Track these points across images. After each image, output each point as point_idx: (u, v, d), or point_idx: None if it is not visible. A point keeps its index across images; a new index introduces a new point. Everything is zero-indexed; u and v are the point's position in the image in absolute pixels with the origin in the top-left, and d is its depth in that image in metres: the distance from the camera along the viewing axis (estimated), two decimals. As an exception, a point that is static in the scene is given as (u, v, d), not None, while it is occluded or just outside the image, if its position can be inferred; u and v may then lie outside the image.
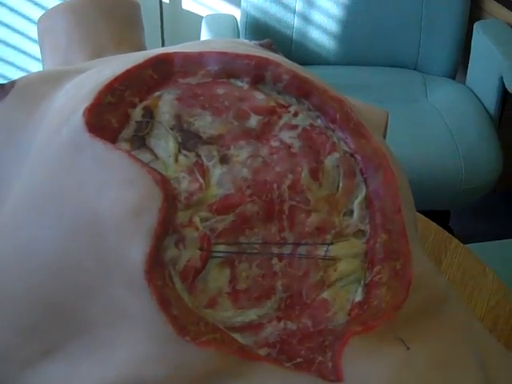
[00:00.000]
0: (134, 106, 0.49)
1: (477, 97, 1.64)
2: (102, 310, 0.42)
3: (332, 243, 0.45)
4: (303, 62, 1.77)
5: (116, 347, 0.41)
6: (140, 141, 0.47)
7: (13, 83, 0.56)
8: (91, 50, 0.71)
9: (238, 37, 1.60)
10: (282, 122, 0.49)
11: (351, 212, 0.47)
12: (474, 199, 1.49)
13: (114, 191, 0.42)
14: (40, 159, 0.48)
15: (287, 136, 0.49)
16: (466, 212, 1.97)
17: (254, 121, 0.49)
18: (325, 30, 1.74)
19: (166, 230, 0.42)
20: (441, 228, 0.95)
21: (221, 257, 0.43)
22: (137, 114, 0.48)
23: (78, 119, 0.46)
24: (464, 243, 0.92)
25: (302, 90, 0.51)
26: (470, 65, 1.70)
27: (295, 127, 0.49)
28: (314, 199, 0.46)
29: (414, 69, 1.81)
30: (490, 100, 1.57)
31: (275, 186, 0.46)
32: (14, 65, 1.70)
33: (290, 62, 0.54)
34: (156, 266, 0.40)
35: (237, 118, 0.49)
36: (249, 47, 0.63)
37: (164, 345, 0.39)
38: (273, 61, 0.51)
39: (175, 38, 2.15)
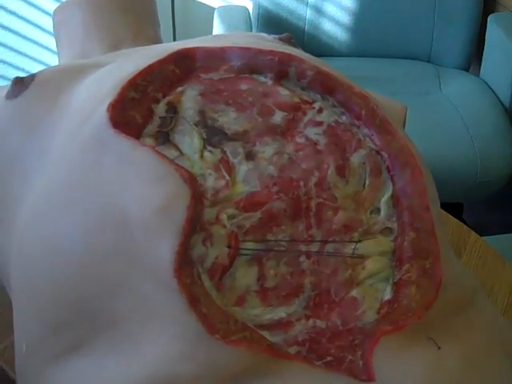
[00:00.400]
0: (157, 101, 0.48)
1: (491, 89, 1.62)
2: (129, 307, 0.42)
3: (360, 241, 0.45)
4: (316, 54, 1.76)
5: (144, 344, 0.41)
6: (164, 136, 0.46)
7: (32, 76, 0.56)
8: (109, 42, 0.71)
9: (251, 29, 1.60)
10: (306, 119, 0.49)
11: (378, 210, 0.47)
12: (488, 192, 1.48)
13: (141, 188, 0.42)
14: (63, 155, 0.47)
15: (313, 132, 0.48)
16: (479, 204, 1.96)
17: (278, 117, 0.48)
18: (337, 22, 1.72)
19: (194, 227, 0.41)
20: (459, 222, 0.95)
21: (248, 254, 0.43)
22: (160, 109, 0.48)
23: (102, 115, 0.45)
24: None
25: (327, 86, 0.50)
26: (483, 57, 1.69)
27: (320, 124, 0.49)
28: (340, 196, 0.46)
29: (428, 61, 1.80)
30: (505, 93, 1.56)
31: (302, 183, 0.45)
32: (30, 56, 1.70)
33: (313, 57, 0.53)
34: (184, 264, 0.40)
35: (261, 114, 0.48)
36: (269, 42, 0.62)
37: (194, 343, 0.39)
38: (296, 57, 0.50)
39: (187, 30, 2.15)
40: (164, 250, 0.40)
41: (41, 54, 1.71)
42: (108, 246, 0.42)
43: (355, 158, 0.48)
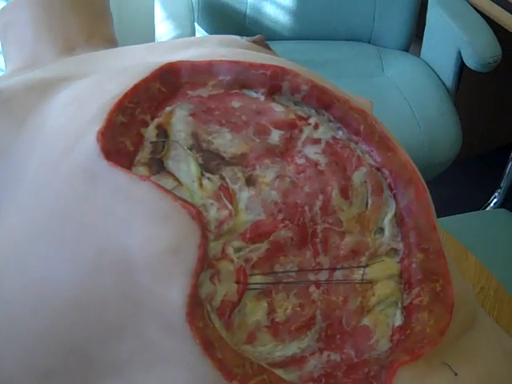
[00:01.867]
0: (146, 124, 0.45)
1: (433, 70, 1.64)
2: (132, 353, 0.39)
3: (367, 265, 0.44)
4: (258, 38, 1.73)
5: None
6: (158, 164, 0.43)
7: (-5, 94, 0.52)
8: (62, 44, 0.67)
9: (193, 14, 1.55)
10: (304, 136, 0.47)
11: (381, 230, 0.46)
12: (435, 174, 1.50)
13: (144, 228, 0.39)
14: (44, 185, 0.44)
15: (312, 152, 0.46)
16: (428, 184, 1.99)
17: (275, 136, 0.46)
18: (279, 5, 1.70)
19: (204, 266, 0.39)
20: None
21: (257, 288, 0.41)
22: (150, 133, 0.45)
23: (91, 144, 0.42)
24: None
25: (322, 101, 0.48)
26: (424, 38, 1.70)
27: (318, 141, 0.47)
28: (346, 220, 0.44)
29: (369, 42, 1.80)
30: (448, 74, 1.57)
31: (307, 208, 0.44)
32: None
33: (306, 69, 0.51)
34: (195, 306, 0.38)
35: (258, 134, 0.46)
36: (242, 47, 0.60)
37: None
38: (290, 70, 0.48)
39: (125, 15, 2.07)
40: (174, 293, 0.37)
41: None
42: (106, 289, 0.39)
43: (357, 177, 0.46)
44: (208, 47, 0.58)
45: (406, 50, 1.80)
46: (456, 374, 0.41)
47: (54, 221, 0.42)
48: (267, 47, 0.65)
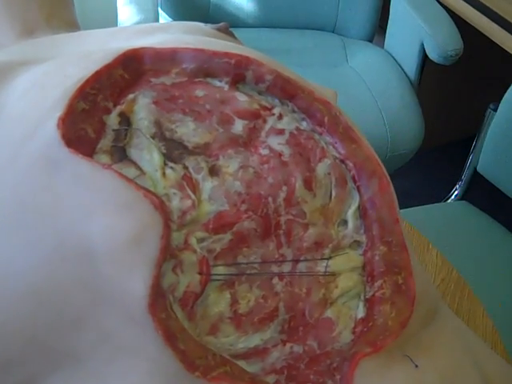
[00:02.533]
0: (108, 111, 0.44)
1: (396, 62, 1.65)
2: (93, 343, 0.38)
3: (331, 257, 0.44)
4: (223, 25, 1.72)
5: (111, 380, 0.38)
6: (120, 152, 0.43)
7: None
8: (21, 28, 0.66)
9: (157, 2, 1.53)
10: (267, 127, 0.47)
11: (345, 222, 0.45)
12: (398, 166, 1.51)
13: (106, 217, 0.38)
14: (1, 175, 0.43)
15: (276, 142, 0.46)
16: (392, 175, 2.00)
17: (239, 126, 0.46)
18: (244, -8, 1.69)
19: (166, 256, 0.39)
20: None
21: (220, 280, 0.41)
22: (112, 121, 0.44)
23: (52, 131, 0.41)
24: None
25: (287, 92, 0.48)
26: (388, 29, 1.71)
27: (282, 132, 0.46)
28: (309, 211, 0.44)
29: (333, 31, 1.80)
30: (411, 65, 1.58)
31: (270, 199, 0.43)
32: None
33: (270, 58, 0.51)
34: (158, 297, 0.37)
35: (221, 124, 0.46)
36: (206, 35, 0.59)
37: (172, 381, 0.37)
38: (254, 60, 0.48)
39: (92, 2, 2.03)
40: (136, 284, 0.37)
41: None
42: (67, 279, 0.38)
43: (320, 169, 0.46)
44: (172, 34, 0.58)
45: (370, 40, 1.81)
46: (416, 366, 0.41)
47: (12, 210, 0.41)
48: (231, 35, 0.65)
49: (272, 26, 1.76)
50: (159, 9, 1.64)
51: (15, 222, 0.40)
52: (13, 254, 0.40)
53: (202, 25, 0.62)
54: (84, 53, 0.50)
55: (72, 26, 0.71)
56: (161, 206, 0.38)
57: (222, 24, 0.65)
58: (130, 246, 0.37)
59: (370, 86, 1.58)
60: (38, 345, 0.40)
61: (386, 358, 0.40)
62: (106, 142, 0.43)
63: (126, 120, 0.44)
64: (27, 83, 0.48)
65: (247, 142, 0.45)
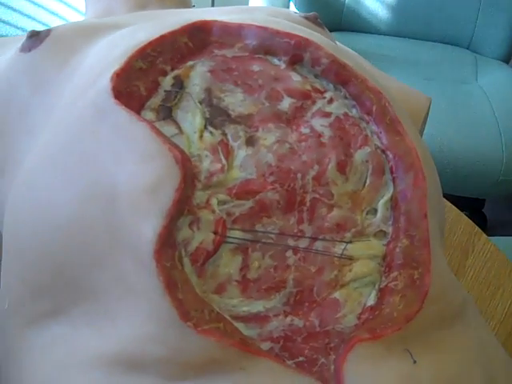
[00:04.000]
0: (164, 73, 0.47)
1: (529, 86, 1.58)
2: (109, 281, 0.41)
3: (351, 242, 0.44)
4: (353, 29, 1.72)
5: (119, 321, 0.40)
6: (166, 111, 0.45)
7: (48, 31, 0.55)
8: (134, 2, 0.70)
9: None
10: (315, 108, 0.47)
11: (375, 211, 0.45)
12: (510, 191, 1.45)
13: (131, 164, 0.41)
14: (64, 118, 0.47)
15: (319, 123, 0.47)
16: (503, 201, 1.92)
17: (286, 103, 0.47)
18: (380, -2, 1.68)
19: (181, 210, 0.41)
20: (471, 222, 0.93)
21: (234, 243, 0.42)
22: (167, 82, 0.47)
23: (106, 83, 0.44)
24: (496, 231, 0.88)
25: (340, 77, 0.48)
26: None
27: (328, 115, 0.47)
28: (337, 194, 0.45)
29: (467, 48, 1.75)
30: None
31: (299, 175, 0.44)
32: (57, 14, 1.67)
33: (333, 44, 0.52)
34: (166, 246, 0.39)
35: (269, 99, 0.47)
36: (291, 21, 0.61)
37: (166, 327, 0.38)
38: (313, 42, 0.49)
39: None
40: (147, 230, 0.39)
41: (69, 13, 1.69)
42: (94, 218, 0.42)
43: (359, 155, 0.46)
44: (255, 15, 0.60)
45: (506, 61, 1.74)
46: (415, 362, 0.40)
47: (62, 151, 0.45)
48: (320, 26, 0.66)
49: (403, 36, 1.74)
50: (293, 4, 1.68)
51: (62, 160, 0.44)
52: (55, 188, 0.44)
53: (289, 11, 0.64)
54: (159, 21, 0.53)
55: (184, 4, 0.75)
56: (183, 160, 0.40)
57: (312, 13, 0.66)
58: (146, 194, 0.39)
59: (495, 107, 1.52)
60: (65, 276, 0.43)
61: (383, 348, 0.40)
62: (155, 101, 0.45)
63: (179, 83, 0.47)
64: (106, 41, 0.52)
65: (291, 119, 0.46)
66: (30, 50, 0.53)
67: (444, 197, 0.97)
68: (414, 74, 1.61)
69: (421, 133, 0.77)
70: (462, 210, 0.95)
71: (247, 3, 1.76)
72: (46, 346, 0.43)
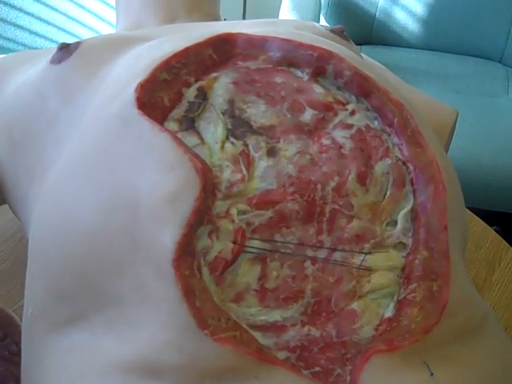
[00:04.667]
0: (188, 85, 0.48)
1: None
2: (130, 289, 0.42)
3: (370, 253, 0.44)
4: (383, 43, 1.72)
5: (138, 328, 0.41)
6: (189, 122, 0.46)
7: (78, 44, 0.56)
8: (164, 15, 0.71)
9: (319, 12, 1.56)
10: (337, 120, 0.48)
11: (395, 223, 0.45)
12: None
13: (153, 174, 0.41)
14: (90, 128, 0.48)
15: (340, 135, 0.47)
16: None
17: (308, 115, 0.47)
18: (410, 12, 1.68)
19: (201, 219, 0.41)
20: (498, 236, 0.92)
21: (253, 252, 0.42)
22: (190, 93, 0.47)
23: (130, 94, 0.45)
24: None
25: (363, 89, 0.49)
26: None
27: (350, 127, 0.47)
28: (357, 205, 0.45)
29: (499, 61, 1.74)
30: None
31: (319, 186, 0.44)
32: (90, 27, 1.70)
33: (356, 56, 0.52)
34: (185, 255, 0.40)
35: (291, 111, 0.47)
36: (316, 34, 0.61)
37: (183, 335, 0.39)
38: (336, 54, 0.49)
39: (258, 9, 2.12)
40: (167, 238, 0.40)
41: (98, 24, 1.72)
42: (117, 226, 0.42)
43: (379, 167, 0.46)
44: (280, 28, 0.60)
45: (539, 75, 1.72)
46: (432, 375, 0.40)
47: (87, 160, 0.46)
48: (346, 38, 0.66)
49: (434, 49, 1.73)
50: (323, 18, 1.68)
51: (87, 169, 0.45)
52: (79, 197, 0.45)
53: (314, 24, 0.65)
54: (186, 33, 0.54)
55: (213, 18, 0.76)
56: (203, 170, 0.41)
57: (337, 26, 0.66)
58: (166, 202, 0.40)
59: (527, 121, 1.50)
60: (87, 283, 0.44)
61: (400, 359, 0.40)
62: (178, 112, 0.46)
63: (203, 94, 0.47)
64: (133, 53, 0.53)
65: (312, 130, 0.47)
66: (59, 62, 0.55)
67: (473, 211, 0.96)
68: (443, 87, 1.60)
69: (448, 145, 0.77)
70: (492, 225, 0.94)
71: (278, 16, 1.77)
72: (66, 353, 0.44)
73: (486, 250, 0.90)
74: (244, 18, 2.06)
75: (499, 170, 1.41)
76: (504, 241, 0.92)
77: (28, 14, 1.60)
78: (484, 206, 1.46)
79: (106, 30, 1.69)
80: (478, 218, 0.93)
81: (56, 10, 1.63)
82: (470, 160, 1.40)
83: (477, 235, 0.91)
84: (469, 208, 1.01)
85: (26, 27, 1.61)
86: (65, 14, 1.64)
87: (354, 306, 0.43)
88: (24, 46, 1.61)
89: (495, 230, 0.92)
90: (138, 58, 0.50)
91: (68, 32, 1.66)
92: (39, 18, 1.62)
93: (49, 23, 1.63)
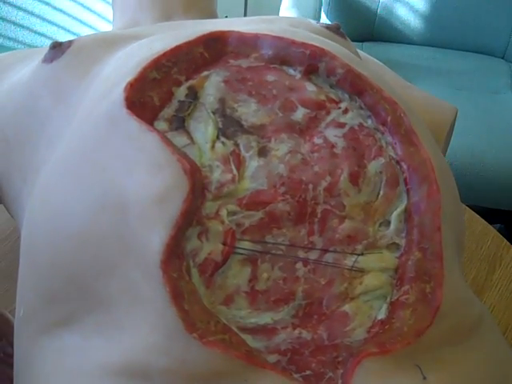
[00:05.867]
0: (179, 84, 0.47)
1: None
2: (119, 291, 0.41)
3: (362, 254, 0.43)
4: (385, 39, 1.71)
5: (127, 331, 0.41)
6: (179, 122, 0.45)
7: (70, 43, 0.56)
8: (160, 13, 0.71)
9: (320, 7, 1.56)
10: (329, 119, 0.47)
11: (388, 223, 0.45)
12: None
13: (141, 174, 0.41)
14: (79, 128, 0.47)
15: (332, 134, 0.46)
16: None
17: (300, 114, 0.47)
18: (412, 8, 1.66)
19: (190, 220, 0.41)
20: (499, 235, 0.91)
21: (244, 254, 0.42)
22: (180, 93, 0.47)
23: (119, 93, 0.45)
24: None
25: (356, 87, 0.48)
26: None
27: (342, 125, 0.47)
28: (349, 205, 0.44)
29: (502, 57, 1.72)
30: None
31: (311, 186, 0.44)
32: (89, 25, 1.69)
33: (350, 54, 0.51)
34: (174, 257, 0.39)
35: (283, 109, 0.47)
36: (311, 31, 0.60)
37: (171, 338, 0.38)
38: (329, 52, 0.48)
39: (259, 7, 2.11)
40: (155, 240, 0.39)
41: (97, 22, 1.71)
42: (105, 227, 0.42)
43: (372, 166, 0.46)
44: (274, 25, 0.59)
45: (542, 71, 1.71)
46: (425, 378, 0.39)
47: (76, 160, 0.45)
48: (342, 36, 0.65)
49: (436, 46, 1.72)
50: (324, 15, 1.67)
51: (75, 170, 0.45)
52: (68, 197, 0.44)
53: (310, 21, 0.64)
54: (177, 31, 0.54)
55: (210, 16, 0.76)
56: (191, 171, 0.40)
57: (333, 23, 0.66)
58: (154, 204, 0.40)
59: (529, 117, 1.49)
60: (76, 283, 0.43)
61: (392, 363, 0.39)
62: (168, 111, 0.46)
63: (193, 93, 0.47)
64: (124, 52, 0.53)
65: (304, 129, 0.46)
66: (51, 61, 0.54)
67: (476, 209, 0.95)
68: (445, 83, 1.59)
69: (447, 143, 0.76)
70: (495, 223, 0.93)
71: (278, 14, 1.76)
72: (57, 355, 0.44)
73: (486, 249, 0.89)
74: (245, 15, 2.05)
75: (502, 167, 1.40)
76: (505, 239, 0.91)
77: (28, 12, 1.60)
78: (487, 203, 1.45)
79: (106, 29, 1.69)
80: (478, 217, 0.92)
81: (56, 8, 1.63)
82: (472, 157, 1.39)
83: (477, 234, 0.90)
84: (471, 206, 1.01)
85: (26, 26, 1.61)
86: (65, 13, 1.64)
87: (346, 308, 0.42)
88: (24, 44, 1.61)
89: (498, 228, 0.92)
90: (128, 57, 0.50)
91: (68, 30, 1.66)
92: (39, 17, 1.62)
93: (49, 22, 1.63)
